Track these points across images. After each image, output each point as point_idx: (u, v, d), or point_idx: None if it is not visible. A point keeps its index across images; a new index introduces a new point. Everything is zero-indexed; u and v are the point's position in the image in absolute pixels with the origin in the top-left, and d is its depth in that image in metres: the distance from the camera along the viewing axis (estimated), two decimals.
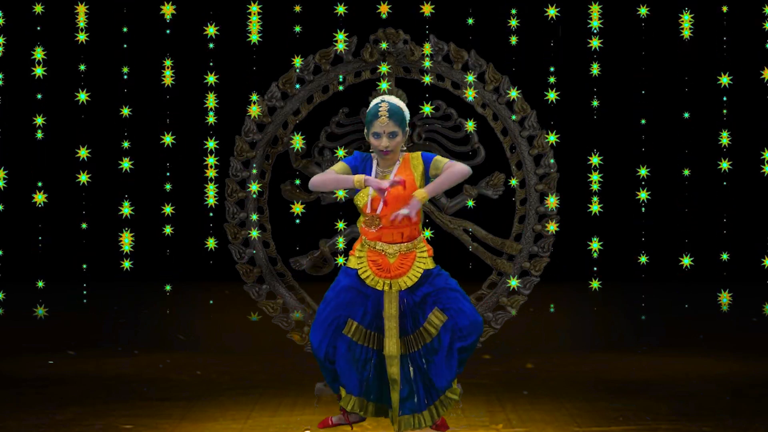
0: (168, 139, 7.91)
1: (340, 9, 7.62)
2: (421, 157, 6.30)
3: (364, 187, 6.17)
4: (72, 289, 9.87)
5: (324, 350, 6.29)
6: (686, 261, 8.35)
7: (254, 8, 7.74)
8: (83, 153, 8.16)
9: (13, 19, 8.34)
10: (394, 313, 6.27)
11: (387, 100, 6.31)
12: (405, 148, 6.41)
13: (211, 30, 7.92)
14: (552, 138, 7.44)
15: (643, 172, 8.25)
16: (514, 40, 7.75)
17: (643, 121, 8.24)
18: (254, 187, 7.45)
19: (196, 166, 7.94)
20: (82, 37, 8.12)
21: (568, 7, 8.30)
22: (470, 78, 7.44)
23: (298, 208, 7.51)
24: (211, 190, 7.63)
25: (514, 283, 7.49)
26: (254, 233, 7.44)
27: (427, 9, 7.59)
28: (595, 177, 7.85)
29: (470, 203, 7.46)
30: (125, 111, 8.15)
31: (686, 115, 8.19)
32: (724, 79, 8.17)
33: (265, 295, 7.53)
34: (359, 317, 6.29)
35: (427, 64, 7.44)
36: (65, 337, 9.94)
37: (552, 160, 7.46)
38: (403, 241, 6.27)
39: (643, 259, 8.25)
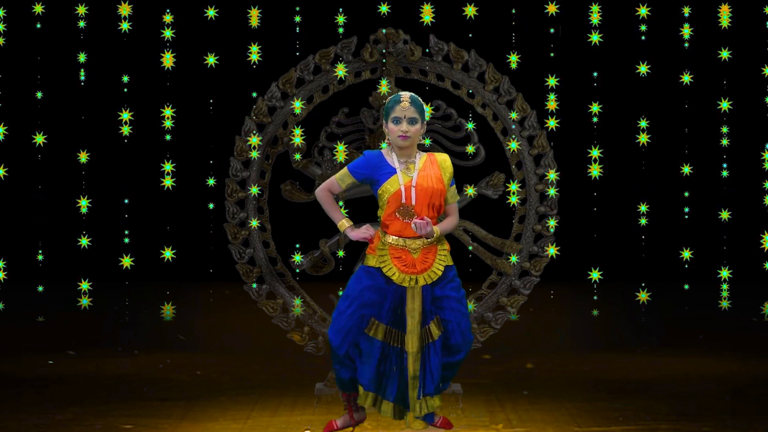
0: (168, 123, 7.93)
1: (341, 19, 7.62)
2: (450, 165, 6.35)
3: (342, 234, 6.34)
4: (72, 289, 9.87)
5: (345, 348, 6.28)
6: (686, 254, 8.38)
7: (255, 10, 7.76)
8: (83, 159, 8.16)
9: (12, 19, 8.34)
10: (417, 308, 6.27)
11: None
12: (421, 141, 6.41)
13: (211, 12, 7.94)
14: (553, 176, 7.46)
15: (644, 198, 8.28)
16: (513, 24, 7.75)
17: (643, 124, 8.24)
18: (254, 190, 7.47)
19: (196, 165, 7.95)
20: (81, 35, 8.12)
21: (567, 6, 8.30)
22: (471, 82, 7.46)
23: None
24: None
25: (514, 259, 7.49)
26: (254, 222, 7.45)
27: (427, 11, 7.59)
28: (595, 172, 7.86)
29: (470, 191, 7.45)
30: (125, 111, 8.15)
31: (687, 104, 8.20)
32: (725, 103, 8.18)
33: (265, 295, 7.53)
34: (382, 316, 6.29)
35: (427, 50, 7.45)
36: (65, 337, 9.93)
37: (552, 192, 7.47)
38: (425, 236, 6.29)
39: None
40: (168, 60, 7.93)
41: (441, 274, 6.28)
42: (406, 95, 6.33)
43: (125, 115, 8.08)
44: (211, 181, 7.72)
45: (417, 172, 6.27)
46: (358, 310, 6.27)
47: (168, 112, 7.89)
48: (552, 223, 7.50)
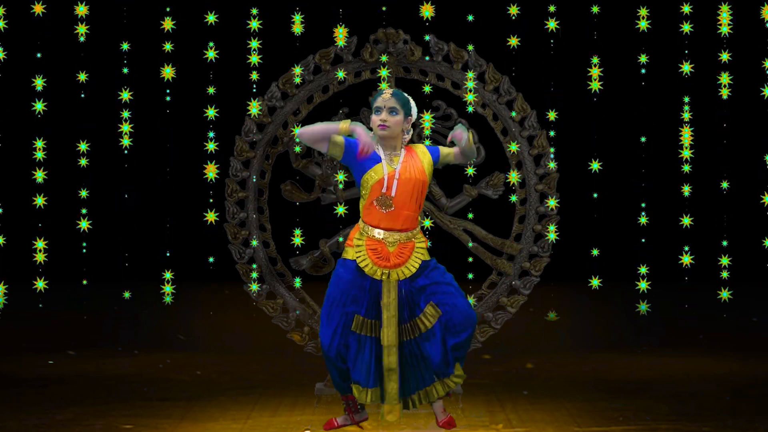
0: (168, 111, 7.94)
1: (341, 31, 7.62)
2: (425, 148, 6.39)
3: (349, 133, 6.21)
4: (72, 289, 9.87)
5: (336, 349, 6.31)
6: (686, 259, 8.37)
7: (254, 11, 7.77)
8: (83, 147, 8.15)
9: (13, 19, 8.35)
10: (392, 301, 6.29)
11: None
12: (406, 137, 6.39)
13: (211, 17, 7.94)
14: (551, 114, 7.45)
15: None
16: (514, 42, 7.75)
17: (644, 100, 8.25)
18: (254, 178, 7.49)
19: (197, 166, 7.95)
20: (81, 32, 8.12)
21: (568, 6, 8.31)
22: (470, 84, 7.45)
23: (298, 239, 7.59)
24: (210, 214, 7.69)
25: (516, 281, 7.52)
26: (254, 242, 7.47)
27: (427, 8, 7.60)
28: (595, 165, 7.86)
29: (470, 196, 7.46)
30: (125, 113, 8.14)
31: (687, 116, 8.19)
32: (725, 82, 8.19)
33: (265, 295, 7.53)
34: (363, 311, 6.31)
35: (426, 58, 7.46)
36: (65, 337, 9.93)
37: (552, 165, 7.47)
38: (402, 230, 6.29)
39: (643, 270, 8.25)
40: (168, 72, 7.94)
41: (417, 269, 6.30)
42: (388, 88, 6.37)
43: (126, 114, 8.09)
44: (211, 175, 7.70)
45: (400, 165, 6.30)
46: (341, 308, 6.31)
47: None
48: (552, 203, 7.48)
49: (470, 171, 7.50)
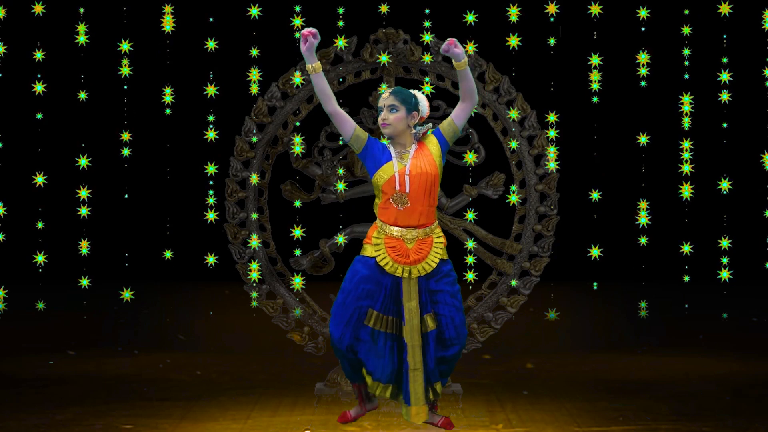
0: (168, 109, 7.94)
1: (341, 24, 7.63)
2: (432, 135, 6.34)
3: (315, 70, 6.16)
4: (72, 289, 9.84)
5: (347, 342, 6.29)
6: (686, 248, 8.38)
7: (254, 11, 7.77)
8: (83, 155, 8.16)
9: (12, 18, 8.35)
10: (414, 301, 6.28)
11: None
12: (414, 131, 6.34)
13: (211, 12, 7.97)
14: (551, 115, 7.45)
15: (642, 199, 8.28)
16: (514, 42, 7.75)
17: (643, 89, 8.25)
18: (254, 178, 7.48)
19: (197, 166, 7.95)
20: (82, 39, 8.12)
21: (568, 6, 8.31)
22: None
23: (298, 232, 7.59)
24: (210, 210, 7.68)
25: (514, 283, 7.52)
26: (254, 242, 7.48)
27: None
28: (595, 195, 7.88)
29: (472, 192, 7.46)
30: (124, 113, 8.14)
31: (687, 123, 8.20)
32: (724, 75, 8.20)
33: (266, 295, 7.53)
34: (378, 306, 6.30)
35: (426, 59, 7.45)
36: (65, 337, 9.94)
37: (552, 165, 7.48)
38: (419, 226, 6.28)
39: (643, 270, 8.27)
40: (168, 25, 7.92)
41: (435, 267, 6.29)
42: (390, 87, 6.36)
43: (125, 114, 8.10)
44: (211, 169, 7.70)
45: (410, 161, 6.29)
46: (356, 302, 6.28)
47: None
48: (552, 166, 7.48)
49: (469, 165, 7.48)
